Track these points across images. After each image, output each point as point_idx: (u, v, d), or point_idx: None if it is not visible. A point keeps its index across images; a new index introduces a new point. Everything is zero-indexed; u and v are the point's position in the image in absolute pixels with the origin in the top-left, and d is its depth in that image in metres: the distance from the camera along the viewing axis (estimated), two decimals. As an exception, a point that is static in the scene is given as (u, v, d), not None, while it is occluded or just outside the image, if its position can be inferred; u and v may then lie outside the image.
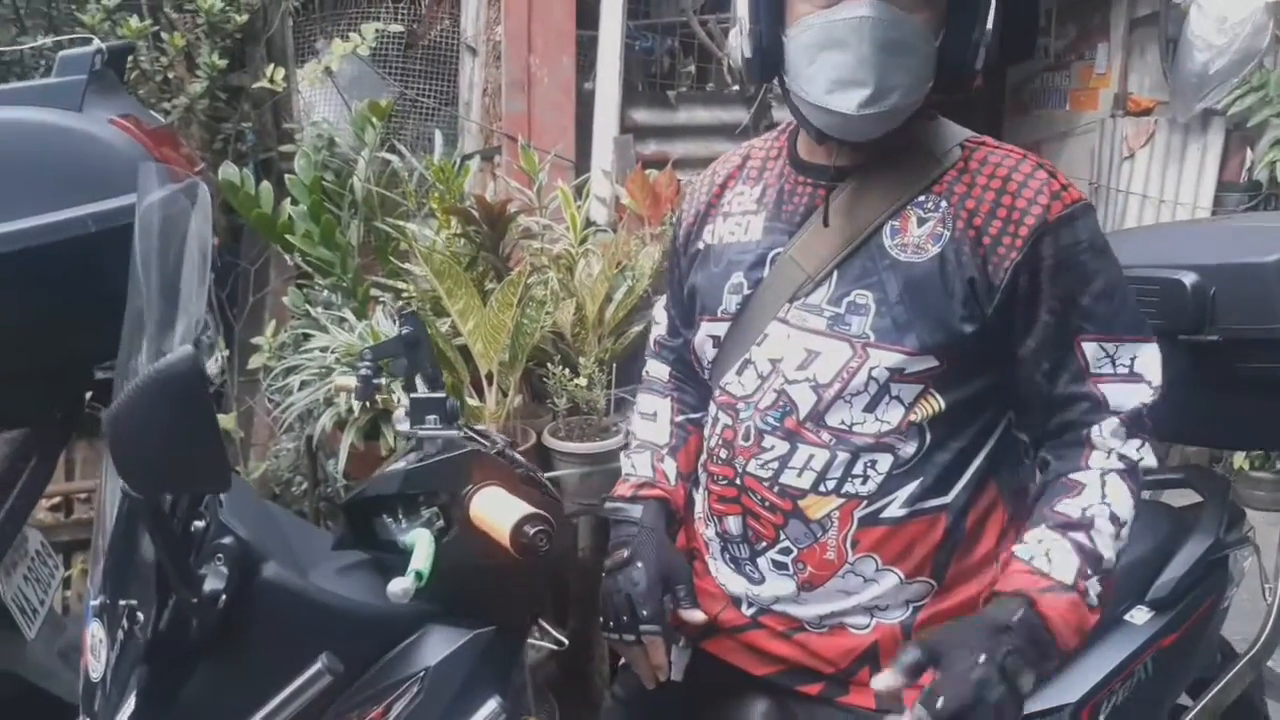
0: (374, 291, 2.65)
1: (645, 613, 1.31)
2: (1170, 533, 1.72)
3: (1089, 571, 1.15)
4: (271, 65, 3.12)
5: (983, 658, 1.07)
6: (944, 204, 1.21)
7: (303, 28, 3.62)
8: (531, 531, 1.08)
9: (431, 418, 1.26)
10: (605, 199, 3.40)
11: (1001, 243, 1.17)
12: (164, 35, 3.14)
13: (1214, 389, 1.61)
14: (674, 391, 1.53)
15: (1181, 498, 1.89)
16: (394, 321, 2.47)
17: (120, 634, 1.10)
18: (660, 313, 1.59)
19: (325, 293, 2.68)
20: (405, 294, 2.52)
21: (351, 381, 1.58)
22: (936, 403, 1.20)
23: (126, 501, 1.07)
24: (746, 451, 1.27)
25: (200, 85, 3.19)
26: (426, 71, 3.89)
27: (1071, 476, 1.20)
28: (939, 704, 1.05)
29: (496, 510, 1.12)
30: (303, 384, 2.42)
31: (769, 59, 1.22)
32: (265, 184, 2.63)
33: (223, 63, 3.19)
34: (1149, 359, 1.20)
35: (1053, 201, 1.17)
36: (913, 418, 1.20)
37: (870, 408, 1.20)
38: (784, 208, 1.31)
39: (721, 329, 1.33)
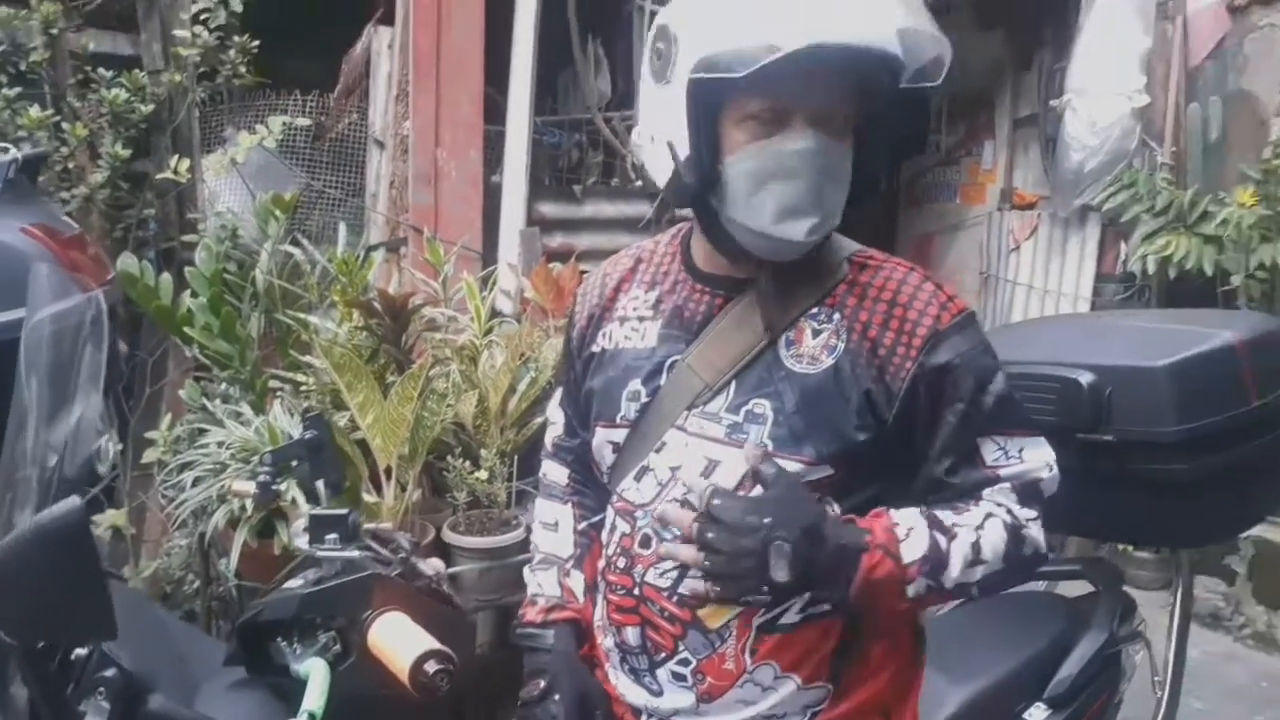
0: (273, 384, 2.61)
1: None
2: (1065, 628, 1.75)
3: (926, 569, 1.16)
4: (176, 156, 3.07)
5: (763, 532, 1.10)
6: (837, 316, 1.24)
7: (210, 117, 3.59)
8: (431, 670, 1.05)
9: (331, 536, 1.23)
10: (510, 291, 3.42)
11: (896, 353, 1.21)
12: (65, 125, 3.07)
13: (1106, 485, 1.65)
14: (574, 496, 1.51)
15: (1070, 588, 1.96)
16: (291, 415, 2.43)
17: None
18: (555, 412, 1.56)
19: (223, 385, 2.64)
20: (305, 387, 2.49)
21: (250, 487, 1.52)
22: (832, 510, 1.22)
23: None
24: (645, 560, 1.27)
25: (102, 175, 3.12)
26: (334, 163, 3.88)
27: (958, 504, 1.24)
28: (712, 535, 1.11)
29: (397, 641, 1.09)
30: (197, 480, 2.36)
31: (702, 184, 1.22)
32: (165, 275, 2.61)
33: (126, 153, 3.12)
34: (1036, 449, 1.25)
35: (942, 312, 1.22)
36: None
37: None
38: (680, 315, 1.32)
39: (620, 435, 1.33)
